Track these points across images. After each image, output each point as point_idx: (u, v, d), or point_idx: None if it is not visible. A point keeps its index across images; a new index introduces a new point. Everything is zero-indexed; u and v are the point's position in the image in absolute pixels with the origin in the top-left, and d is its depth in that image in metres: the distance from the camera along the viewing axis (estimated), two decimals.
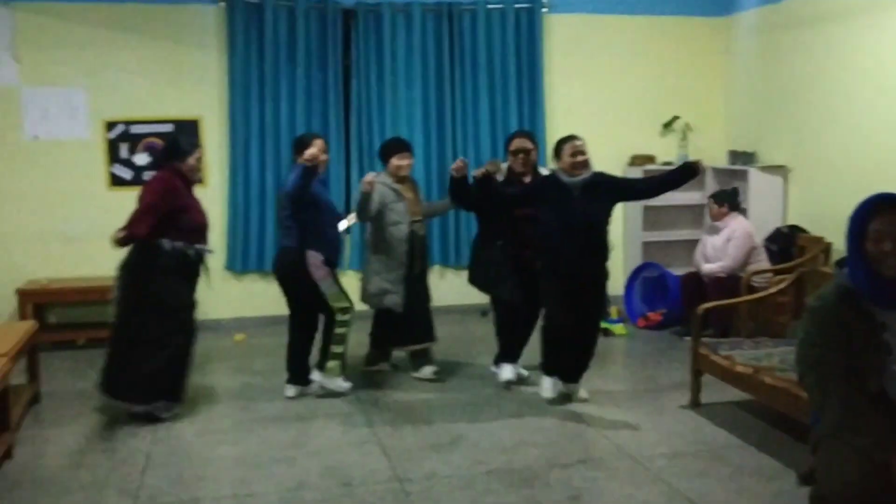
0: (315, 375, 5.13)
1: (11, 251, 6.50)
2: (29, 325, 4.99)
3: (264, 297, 6.96)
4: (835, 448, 2.60)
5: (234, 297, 6.98)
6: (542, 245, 4.68)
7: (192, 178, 4.79)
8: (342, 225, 5.32)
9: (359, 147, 7.01)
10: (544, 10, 7.27)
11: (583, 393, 4.88)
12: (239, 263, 6.89)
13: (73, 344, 6.38)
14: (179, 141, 4.85)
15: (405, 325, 5.30)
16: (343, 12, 6.92)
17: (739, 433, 4.28)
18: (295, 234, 4.89)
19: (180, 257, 4.59)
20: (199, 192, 6.72)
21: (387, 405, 4.90)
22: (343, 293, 5.02)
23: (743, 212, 6.60)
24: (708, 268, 6.20)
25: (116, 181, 6.67)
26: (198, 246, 4.69)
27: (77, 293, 6.39)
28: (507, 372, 5.14)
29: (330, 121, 6.91)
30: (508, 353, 5.20)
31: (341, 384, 5.08)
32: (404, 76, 7.03)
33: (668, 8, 7.53)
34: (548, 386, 4.80)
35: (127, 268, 4.64)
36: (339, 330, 4.99)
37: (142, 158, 6.69)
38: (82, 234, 6.60)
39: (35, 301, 6.28)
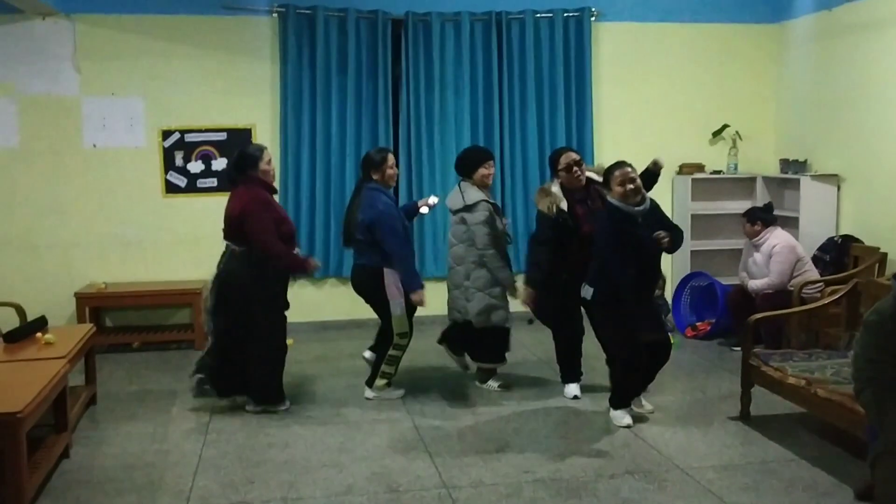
0: (367, 393, 5.21)
1: (70, 256, 6.70)
2: (86, 328, 5.14)
3: (312, 303, 7.09)
4: (894, 465, 2.54)
5: None
6: (605, 275, 4.46)
7: (269, 181, 4.90)
8: (427, 205, 5.36)
9: (407, 155, 7.07)
10: (593, 18, 7.26)
11: (647, 405, 4.82)
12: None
13: (128, 347, 6.55)
14: (247, 149, 4.92)
15: (484, 342, 5.23)
16: (393, 22, 6.99)
17: (791, 446, 4.21)
18: (371, 253, 4.99)
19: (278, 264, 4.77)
20: None
21: (433, 412, 4.93)
22: (408, 319, 5.07)
23: (775, 222, 6.36)
24: (754, 285, 6.05)
25: (171, 188, 6.84)
26: (294, 252, 4.89)
27: (132, 297, 6.56)
28: (572, 390, 5.14)
29: (379, 129, 6.98)
30: (572, 373, 5.20)
31: (393, 392, 5.17)
32: (453, 85, 7.07)
33: (718, 15, 7.46)
34: (627, 417, 4.64)
35: (223, 276, 4.81)
36: (392, 352, 5.10)
37: (196, 166, 6.85)
38: (138, 240, 6.80)
39: (92, 305, 6.46)
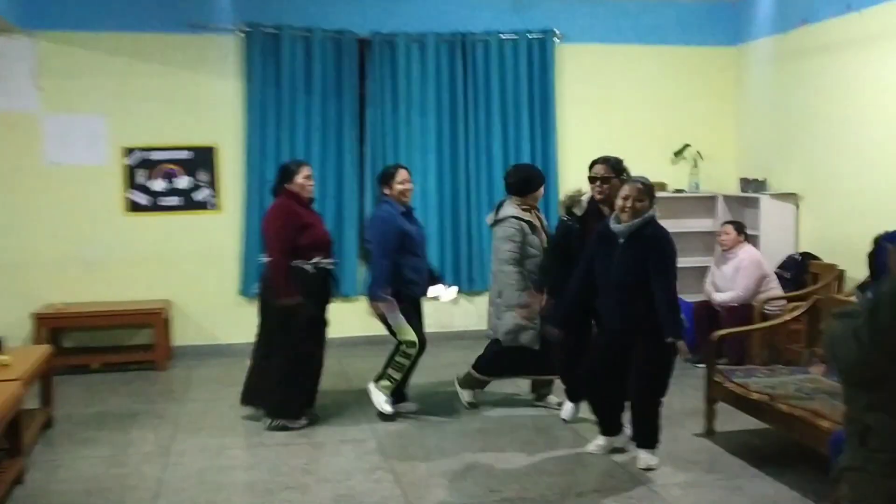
0: (370, 384, 5.17)
1: (28, 275, 6.57)
2: (43, 349, 5.03)
3: None
4: (857, 480, 2.55)
5: (248, 323, 6.91)
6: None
7: (304, 194, 4.95)
8: (446, 296, 5.36)
9: (373, 175, 7.04)
10: (556, 40, 7.35)
11: (645, 460, 4.22)
12: (253, 289, 6.90)
13: (88, 368, 6.41)
14: (287, 164, 5.10)
15: (539, 354, 5.05)
16: (359, 42, 7.01)
17: (755, 462, 4.24)
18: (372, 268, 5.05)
19: (299, 274, 4.75)
20: (213, 218, 6.89)
21: (398, 432, 4.89)
22: (411, 327, 5.00)
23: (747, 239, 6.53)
24: (719, 298, 6.17)
25: (133, 207, 6.75)
26: (314, 261, 4.82)
27: (92, 317, 6.45)
28: (568, 410, 5.01)
29: (345, 149, 6.97)
30: (573, 390, 4.98)
31: (384, 406, 5.07)
32: (418, 105, 7.09)
33: (680, 38, 7.59)
34: (598, 442, 4.44)
35: (260, 288, 5.03)
36: (398, 359, 5.06)
37: (159, 184, 6.78)
38: (99, 259, 6.69)
39: (50, 325, 6.33)
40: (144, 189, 6.76)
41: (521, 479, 4.10)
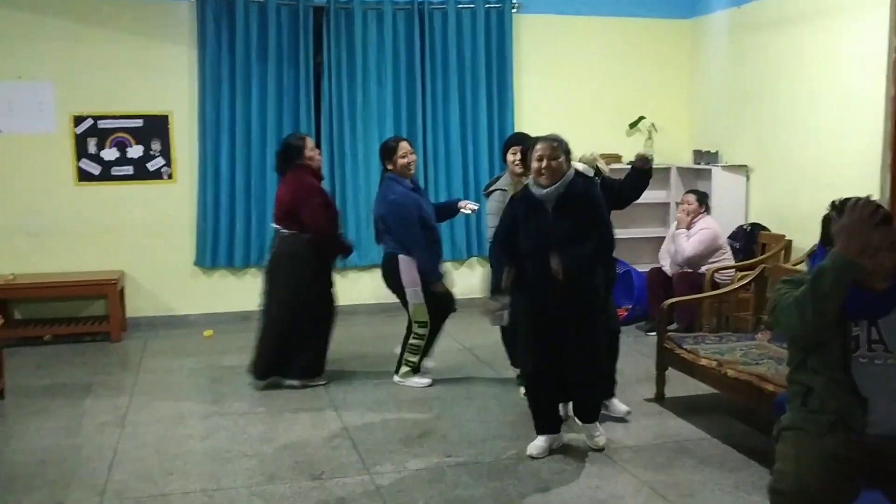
0: (395, 378, 5.18)
1: None
2: None
3: (233, 294, 6.99)
4: (794, 440, 2.66)
5: (203, 294, 6.96)
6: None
7: (315, 168, 5.06)
8: (469, 208, 5.23)
9: (329, 145, 7.01)
10: (514, 10, 7.34)
11: (599, 438, 4.07)
12: (208, 260, 6.86)
13: (40, 340, 6.32)
14: (289, 140, 5.20)
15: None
16: (314, 9, 6.92)
17: (703, 426, 4.37)
18: (388, 240, 5.00)
19: (322, 246, 5.01)
20: (167, 188, 6.81)
21: (356, 400, 4.93)
22: (427, 307, 4.98)
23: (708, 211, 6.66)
24: (667, 262, 6.30)
25: (84, 176, 6.62)
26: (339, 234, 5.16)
27: (43, 289, 6.35)
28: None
29: (301, 118, 6.91)
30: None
31: (418, 381, 5.11)
32: (375, 74, 7.05)
33: (635, 10, 7.64)
34: (539, 444, 4.02)
35: (274, 260, 5.10)
36: (413, 342, 5.08)
37: (111, 153, 6.65)
38: (50, 230, 6.56)
39: (0, 297, 6.20)
40: (96, 158, 6.63)
41: (476, 445, 4.17)
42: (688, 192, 6.58)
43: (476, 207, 5.36)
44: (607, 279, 4.23)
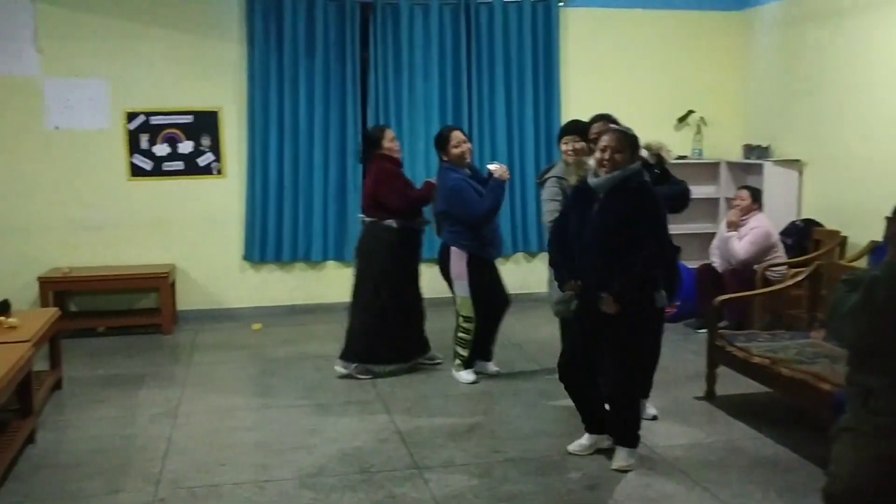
0: (452, 371, 5.21)
1: (33, 240, 6.59)
2: (51, 311, 5.07)
3: (280, 287, 7.07)
4: (851, 441, 2.60)
5: (252, 287, 7.06)
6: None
7: (395, 156, 5.21)
8: (493, 169, 5.09)
9: None
10: (561, 4, 7.29)
11: (620, 460, 3.78)
12: (257, 254, 6.95)
13: (94, 332, 6.47)
14: (369, 131, 5.41)
15: None
16: (361, 5, 6.95)
17: (755, 425, 4.30)
18: (445, 230, 5.04)
19: (407, 233, 5.12)
20: (217, 183, 6.91)
21: (404, 395, 4.94)
22: (489, 291, 4.98)
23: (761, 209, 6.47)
24: (718, 261, 6.17)
25: (136, 171, 6.75)
26: (419, 220, 5.19)
27: (97, 282, 6.49)
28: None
29: (347, 114, 6.95)
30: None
31: (465, 377, 5.12)
32: (422, 70, 7.06)
33: (686, 2, 7.53)
34: (580, 440, 3.96)
35: (361, 248, 5.26)
36: (460, 335, 5.10)
37: (162, 149, 6.77)
38: (102, 224, 6.71)
39: (56, 289, 6.37)
40: (147, 154, 6.75)
41: (524, 440, 4.15)
42: (741, 187, 6.43)
43: (498, 167, 5.09)
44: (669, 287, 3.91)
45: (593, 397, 3.89)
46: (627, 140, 3.66)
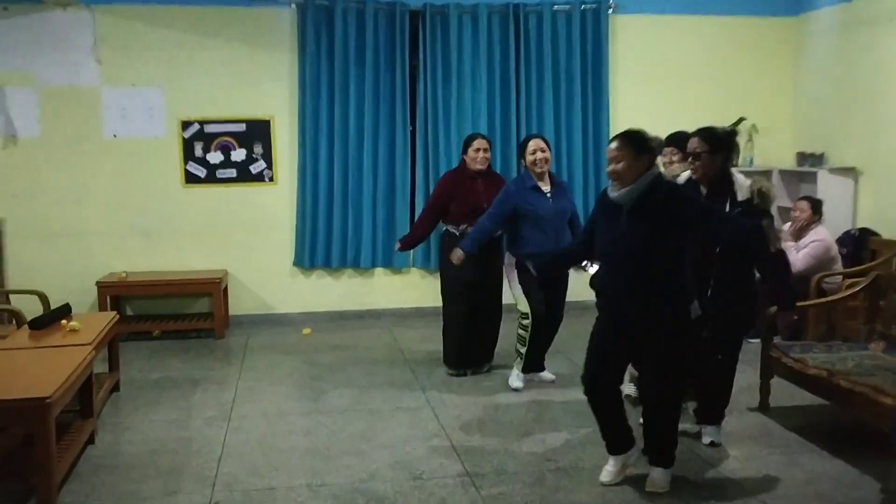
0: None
1: (91, 245, 6.76)
2: (110, 315, 5.19)
3: (330, 293, 7.15)
4: None
5: (302, 293, 7.14)
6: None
7: (472, 166, 5.29)
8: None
9: (424, 147, 7.09)
10: (610, 10, 7.25)
11: (655, 482, 3.66)
12: (307, 260, 7.03)
13: (149, 335, 6.61)
14: (467, 136, 5.49)
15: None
16: (410, 13, 7.00)
17: (811, 437, 4.22)
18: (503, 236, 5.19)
19: (450, 239, 5.27)
20: (268, 190, 6.99)
21: (453, 401, 4.96)
22: (530, 298, 5.01)
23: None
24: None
25: (191, 179, 6.88)
26: (462, 227, 5.22)
27: (153, 286, 6.62)
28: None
29: (396, 121, 7.01)
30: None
31: (514, 381, 5.15)
32: (470, 77, 7.08)
33: (737, 8, 7.44)
34: (607, 468, 3.78)
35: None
36: (518, 331, 5.14)
37: (215, 157, 6.89)
38: (158, 230, 6.85)
39: (113, 293, 6.52)
40: (202, 161, 6.89)
41: (575, 449, 4.14)
42: (801, 198, 6.23)
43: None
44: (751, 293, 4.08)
45: (620, 413, 3.74)
46: (633, 146, 3.41)
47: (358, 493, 3.69)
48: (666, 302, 3.48)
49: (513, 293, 5.10)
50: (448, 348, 5.49)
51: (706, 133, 3.96)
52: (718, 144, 3.92)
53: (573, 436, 4.34)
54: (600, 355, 3.65)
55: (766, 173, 7.45)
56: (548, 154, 5.00)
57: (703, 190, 3.97)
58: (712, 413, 4.18)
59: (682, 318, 3.54)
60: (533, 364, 5.22)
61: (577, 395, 4.95)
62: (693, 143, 3.95)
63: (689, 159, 3.97)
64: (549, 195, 4.99)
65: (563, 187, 5.18)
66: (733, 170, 4.06)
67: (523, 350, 5.10)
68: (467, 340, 5.37)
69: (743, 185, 3.95)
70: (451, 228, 5.29)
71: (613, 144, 3.47)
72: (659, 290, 3.46)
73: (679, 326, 3.53)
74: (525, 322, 5.03)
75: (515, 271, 5.04)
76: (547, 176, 5.04)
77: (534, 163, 4.97)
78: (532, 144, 5.00)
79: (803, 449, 4.11)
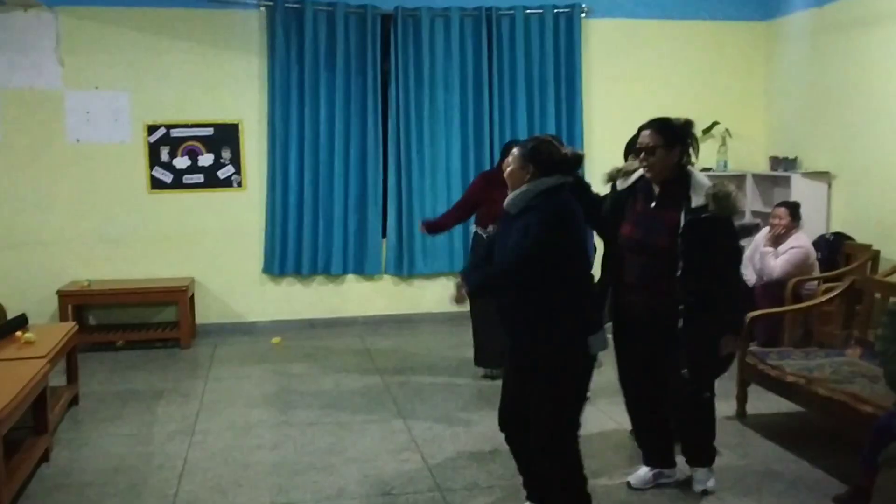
0: None
1: (52, 253, 6.56)
2: (68, 326, 5.01)
3: (301, 301, 7.00)
4: None
5: (272, 301, 6.99)
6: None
7: (500, 169, 4.93)
8: None
9: (396, 152, 6.97)
10: (583, 14, 7.19)
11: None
12: (276, 267, 6.88)
13: (112, 346, 6.43)
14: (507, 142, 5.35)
15: None
16: (382, 17, 6.89)
17: (789, 446, 4.15)
18: None
19: (473, 238, 5.33)
20: (237, 196, 6.83)
21: (424, 412, 4.83)
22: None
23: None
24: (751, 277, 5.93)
25: (156, 184, 6.71)
26: (489, 229, 5.07)
27: (117, 295, 6.44)
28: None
29: (368, 126, 6.89)
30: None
31: None
32: (443, 81, 6.98)
33: (709, 12, 7.41)
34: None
35: None
36: None
37: (182, 162, 6.72)
38: (123, 237, 6.67)
39: (75, 302, 6.33)
40: (168, 166, 6.71)
41: None
42: (778, 204, 6.04)
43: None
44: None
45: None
46: (528, 154, 3.08)
47: None
48: (538, 328, 3.00)
49: None
50: (478, 348, 5.36)
51: (660, 124, 3.47)
52: (674, 137, 3.41)
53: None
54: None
55: (740, 177, 7.43)
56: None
57: (656, 190, 3.47)
58: (702, 453, 3.67)
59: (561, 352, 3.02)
60: None
61: None
62: (645, 137, 3.43)
63: (641, 155, 3.43)
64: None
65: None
66: (693, 169, 3.50)
67: None
68: (498, 338, 5.12)
69: (702, 187, 3.38)
70: (479, 230, 5.22)
71: (515, 152, 3.15)
72: (534, 311, 3.00)
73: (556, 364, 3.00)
74: None
75: None
76: None
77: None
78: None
79: (782, 458, 4.02)
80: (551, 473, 3.12)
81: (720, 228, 3.38)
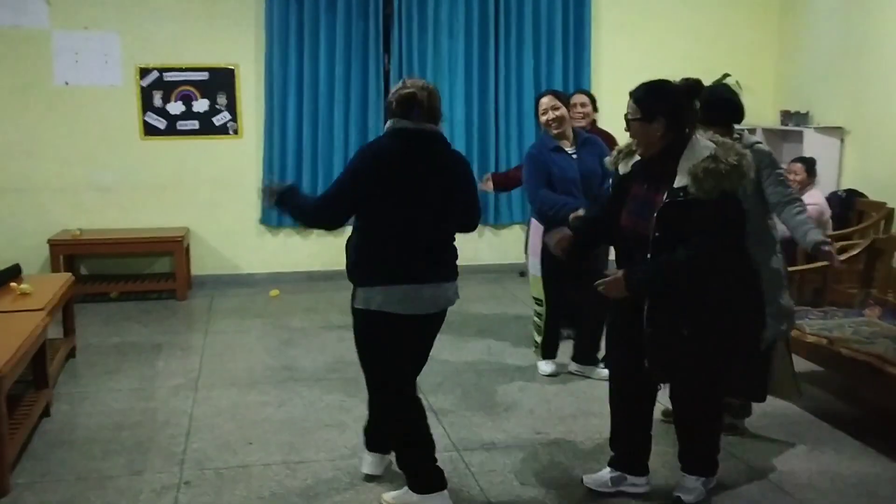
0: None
1: (42, 201, 6.34)
2: (65, 276, 4.86)
3: (299, 253, 6.84)
4: None
5: (269, 252, 6.83)
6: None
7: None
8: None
9: None
10: None
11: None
12: (274, 218, 6.70)
13: (106, 297, 6.25)
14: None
15: None
16: None
17: (810, 407, 4.07)
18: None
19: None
20: (233, 143, 6.59)
21: (434, 368, 4.67)
22: (544, 283, 4.45)
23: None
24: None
25: (149, 130, 6.47)
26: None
27: (109, 245, 6.26)
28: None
29: (369, 71, 6.66)
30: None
31: (542, 367, 4.64)
32: (447, 26, 6.75)
33: None
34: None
35: None
36: (533, 318, 4.64)
37: (176, 107, 6.47)
38: (115, 185, 6.45)
39: (66, 252, 6.15)
40: (161, 112, 6.46)
41: (566, 421, 3.94)
42: (794, 160, 5.88)
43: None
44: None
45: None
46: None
47: (339, 470, 3.45)
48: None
49: (529, 272, 4.60)
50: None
51: (639, 93, 2.98)
52: (654, 108, 2.90)
53: (562, 407, 4.14)
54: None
55: (750, 131, 7.27)
56: (562, 111, 4.38)
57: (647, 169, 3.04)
58: (698, 461, 3.23)
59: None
60: (584, 355, 4.62)
61: (558, 360, 4.78)
62: (628, 107, 2.99)
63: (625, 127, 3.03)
64: (573, 155, 4.43)
65: (591, 142, 4.48)
66: (700, 137, 2.94)
67: (538, 338, 4.63)
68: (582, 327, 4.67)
69: (694, 161, 2.85)
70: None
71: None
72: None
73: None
74: (539, 309, 4.54)
75: (536, 249, 4.42)
76: (569, 133, 4.47)
77: (547, 123, 4.39)
78: (542, 103, 4.40)
79: (802, 419, 3.95)
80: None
81: (697, 215, 2.81)
